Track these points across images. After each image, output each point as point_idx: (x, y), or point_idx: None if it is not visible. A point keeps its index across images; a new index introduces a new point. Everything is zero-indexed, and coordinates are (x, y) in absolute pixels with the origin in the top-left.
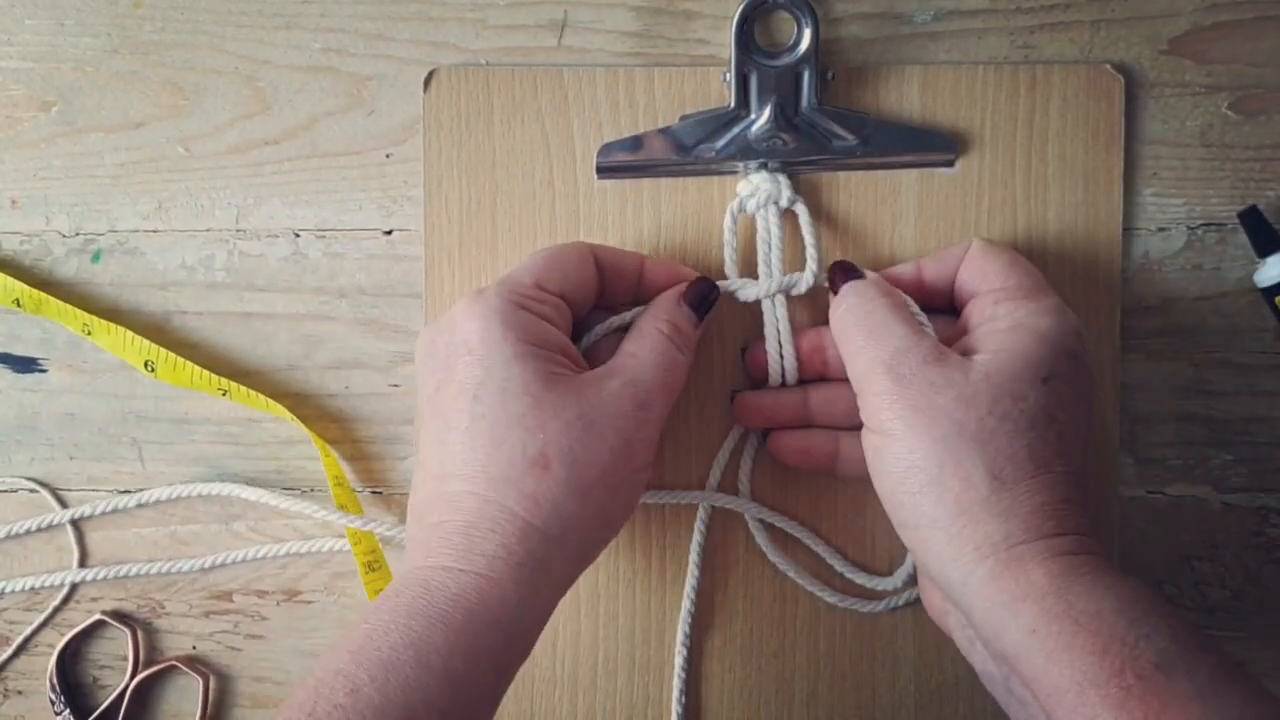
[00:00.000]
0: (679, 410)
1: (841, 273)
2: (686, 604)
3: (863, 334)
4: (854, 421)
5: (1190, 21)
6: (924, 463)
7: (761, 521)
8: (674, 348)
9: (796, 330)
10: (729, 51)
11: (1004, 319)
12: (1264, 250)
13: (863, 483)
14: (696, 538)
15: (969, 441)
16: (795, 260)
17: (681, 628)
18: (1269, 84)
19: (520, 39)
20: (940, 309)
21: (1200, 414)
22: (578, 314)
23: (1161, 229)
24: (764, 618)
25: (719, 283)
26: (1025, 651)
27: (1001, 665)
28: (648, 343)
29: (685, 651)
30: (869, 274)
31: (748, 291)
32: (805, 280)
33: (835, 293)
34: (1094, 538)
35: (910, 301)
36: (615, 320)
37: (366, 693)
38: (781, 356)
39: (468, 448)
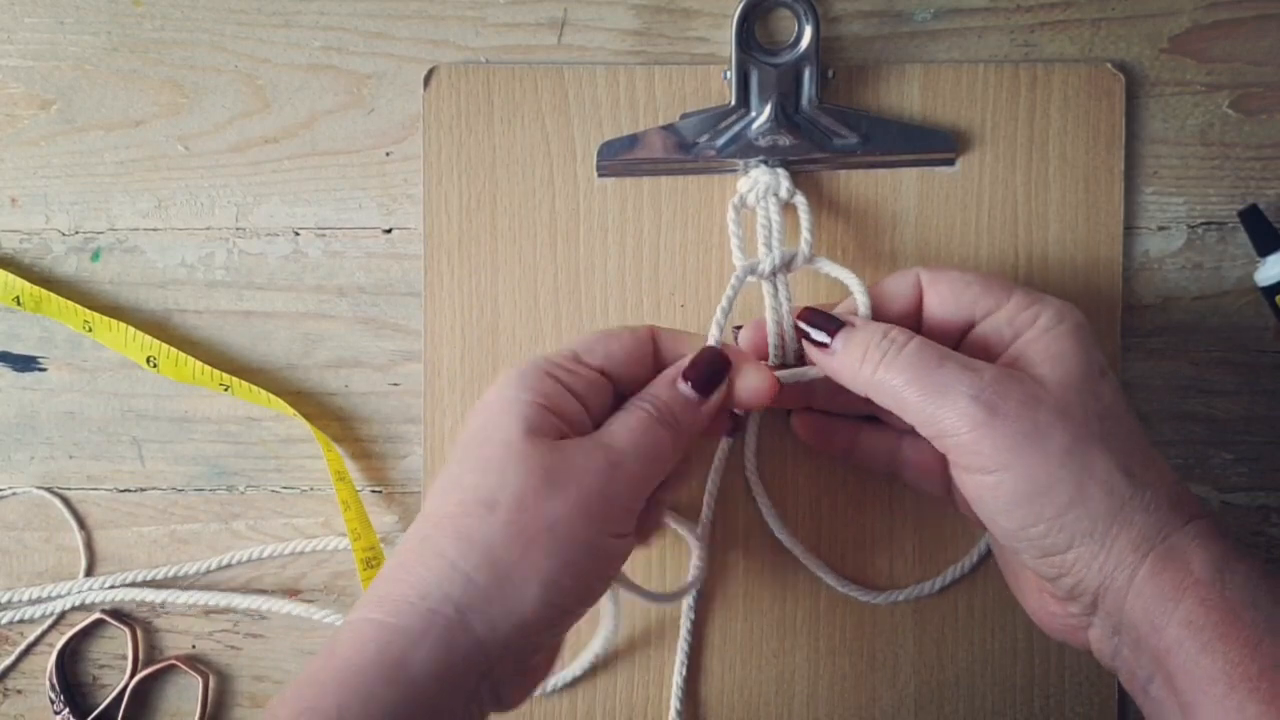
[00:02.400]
0: None
1: (825, 321)
2: (688, 601)
3: (920, 385)
4: (860, 409)
5: (1191, 20)
6: (1055, 483)
7: (770, 499)
8: (652, 421)
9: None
10: (729, 49)
11: (1034, 328)
12: (1264, 249)
13: (865, 476)
14: (704, 517)
15: (1093, 446)
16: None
17: (684, 624)
18: (1269, 82)
19: (520, 37)
20: None
21: (1200, 413)
22: (625, 390)
23: (1162, 228)
24: (764, 617)
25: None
26: (1179, 644)
27: (1147, 666)
28: (626, 415)
29: (687, 648)
30: (851, 319)
31: (762, 266)
32: (801, 255)
33: (824, 344)
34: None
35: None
36: None
37: None
38: (783, 339)
39: (436, 492)
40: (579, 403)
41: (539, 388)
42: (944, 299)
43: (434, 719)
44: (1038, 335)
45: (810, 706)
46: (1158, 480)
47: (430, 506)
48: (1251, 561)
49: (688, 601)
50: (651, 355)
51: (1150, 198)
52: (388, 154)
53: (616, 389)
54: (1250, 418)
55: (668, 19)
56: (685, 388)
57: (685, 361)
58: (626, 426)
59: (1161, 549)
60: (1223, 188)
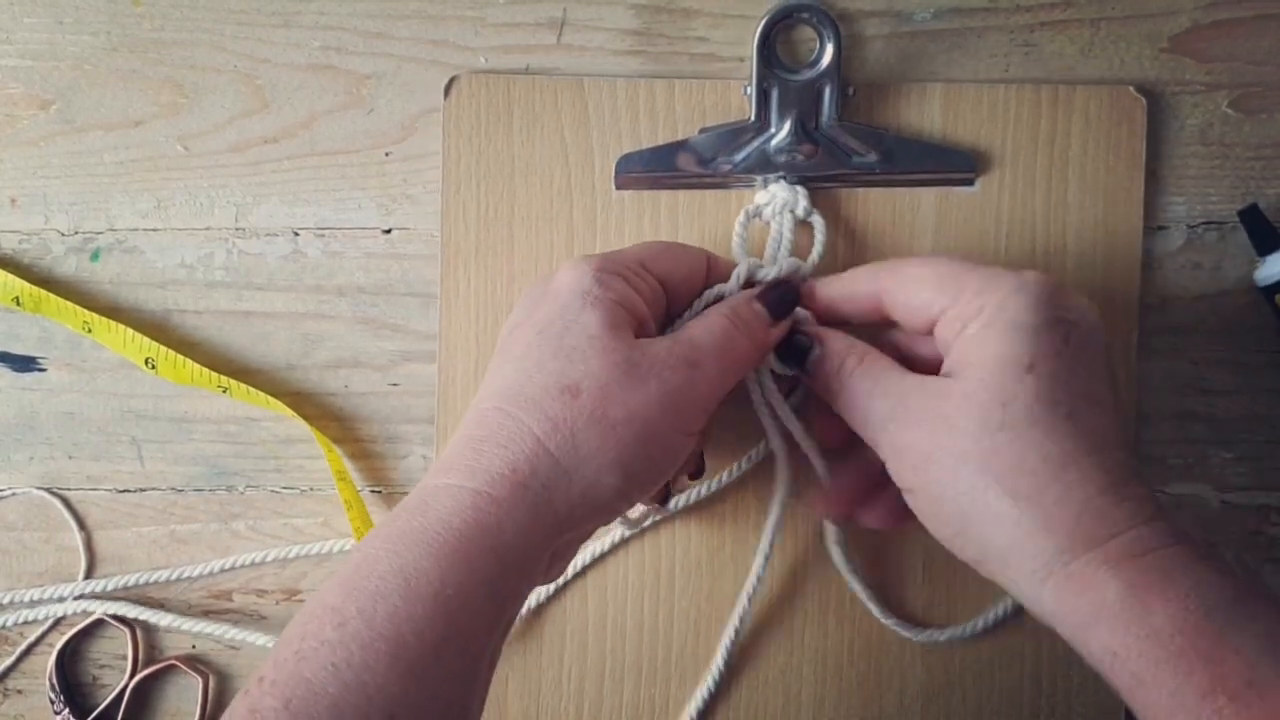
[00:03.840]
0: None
1: (794, 351)
2: (741, 604)
3: (863, 411)
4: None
5: (1190, 20)
6: (946, 510)
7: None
8: (734, 328)
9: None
10: (737, 56)
11: (974, 324)
12: (1264, 248)
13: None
14: (766, 538)
15: (974, 472)
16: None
17: (727, 634)
18: (1269, 82)
19: (520, 37)
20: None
21: (1200, 412)
22: (674, 307)
23: (1161, 227)
24: (770, 635)
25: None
26: (1111, 673)
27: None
28: (706, 320)
29: (726, 652)
30: (822, 334)
31: (764, 273)
32: (804, 270)
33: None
34: (1160, 519)
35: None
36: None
37: (354, 626)
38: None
39: (512, 372)
40: (644, 307)
41: (615, 286)
42: (905, 309)
43: (513, 589)
44: (975, 332)
45: (816, 714)
46: (1060, 503)
47: (503, 386)
48: (1179, 571)
49: (733, 622)
50: (704, 280)
51: (1150, 197)
52: (387, 154)
53: (670, 304)
54: (1250, 418)
55: (668, 19)
56: (759, 307)
57: (759, 288)
58: (709, 330)
59: (1062, 575)
60: (1222, 187)
